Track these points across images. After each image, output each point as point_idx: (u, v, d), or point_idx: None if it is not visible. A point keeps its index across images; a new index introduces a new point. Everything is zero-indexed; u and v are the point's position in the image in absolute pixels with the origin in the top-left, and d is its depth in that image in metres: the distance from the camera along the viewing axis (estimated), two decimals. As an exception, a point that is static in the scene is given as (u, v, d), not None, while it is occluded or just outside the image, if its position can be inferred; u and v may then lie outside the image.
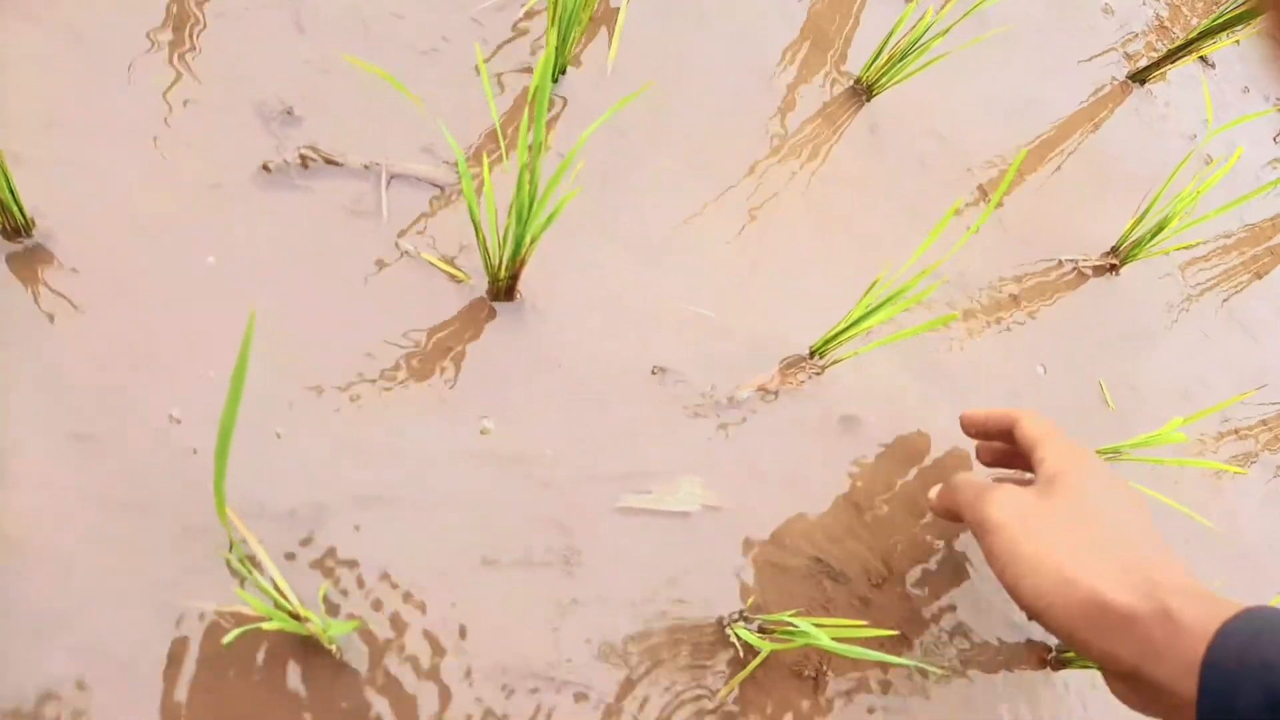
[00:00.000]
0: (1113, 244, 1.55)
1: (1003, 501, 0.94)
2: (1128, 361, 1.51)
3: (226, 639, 0.76)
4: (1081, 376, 1.46)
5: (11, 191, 0.91)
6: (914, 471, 1.29)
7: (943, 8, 1.33)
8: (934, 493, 1.18)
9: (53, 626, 0.87)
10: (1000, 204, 1.52)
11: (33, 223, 0.97)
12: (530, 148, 0.81)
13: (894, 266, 1.37)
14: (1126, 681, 0.88)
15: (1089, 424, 1.44)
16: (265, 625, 0.80)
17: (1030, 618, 0.95)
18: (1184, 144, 1.75)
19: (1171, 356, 1.55)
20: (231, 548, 0.94)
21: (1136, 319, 1.55)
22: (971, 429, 1.24)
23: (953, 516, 1.11)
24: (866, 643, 1.11)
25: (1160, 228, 1.41)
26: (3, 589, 0.87)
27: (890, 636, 1.07)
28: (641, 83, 1.34)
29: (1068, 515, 0.90)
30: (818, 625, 0.91)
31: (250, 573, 0.82)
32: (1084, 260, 1.53)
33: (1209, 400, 1.55)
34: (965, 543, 1.28)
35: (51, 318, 0.96)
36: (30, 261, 0.98)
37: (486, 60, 1.26)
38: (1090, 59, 1.75)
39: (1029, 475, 1.16)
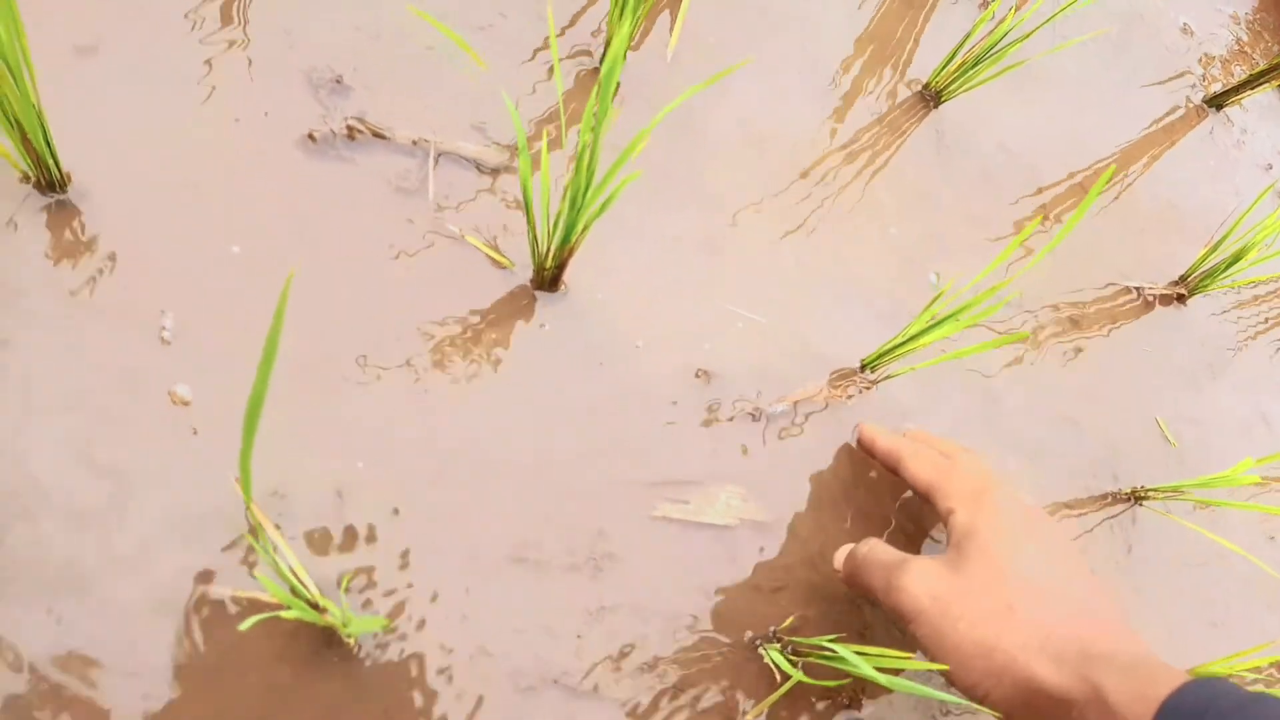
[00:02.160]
0: (1181, 273, 1.48)
1: (916, 587, 0.86)
2: (1189, 395, 1.45)
3: (244, 625, 0.71)
4: (1141, 407, 1.40)
5: (49, 143, 0.87)
6: (963, 497, 1.23)
7: (1020, 11, 1.27)
8: (840, 560, 1.02)
9: (66, 595, 0.83)
10: (1061, 221, 1.45)
11: (69, 178, 0.93)
12: (593, 128, 0.75)
13: (955, 281, 1.31)
14: None
15: (1148, 458, 1.37)
16: (284, 614, 0.75)
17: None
18: (1258, 174, 1.67)
19: (1234, 392, 1.48)
20: (256, 534, 0.89)
21: (1201, 352, 1.48)
22: (863, 450, 1.17)
23: (864, 594, 0.97)
24: (912, 676, 1.05)
25: (1236, 258, 1.34)
26: (18, 557, 0.83)
27: (942, 670, 1.01)
28: (701, 74, 1.29)
29: (987, 586, 0.82)
30: (859, 653, 0.86)
31: (271, 557, 0.77)
32: (1150, 288, 1.47)
33: (1271, 438, 1.48)
34: (1012, 575, 1.22)
35: (76, 281, 0.92)
36: (62, 218, 0.94)
37: (538, 42, 1.21)
38: (1166, 79, 1.69)
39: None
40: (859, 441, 1.17)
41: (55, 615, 0.82)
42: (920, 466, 1.04)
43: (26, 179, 0.92)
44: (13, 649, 0.80)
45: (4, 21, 0.73)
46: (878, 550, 0.95)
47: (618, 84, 1.23)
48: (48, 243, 0.93)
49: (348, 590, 0.91)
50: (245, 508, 0.90)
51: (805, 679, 0.98)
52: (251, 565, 0.89)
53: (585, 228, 0.94)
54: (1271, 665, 1.30)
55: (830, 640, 0.99)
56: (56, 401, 0.88)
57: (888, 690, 1.09)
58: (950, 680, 0.83)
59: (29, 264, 0.91)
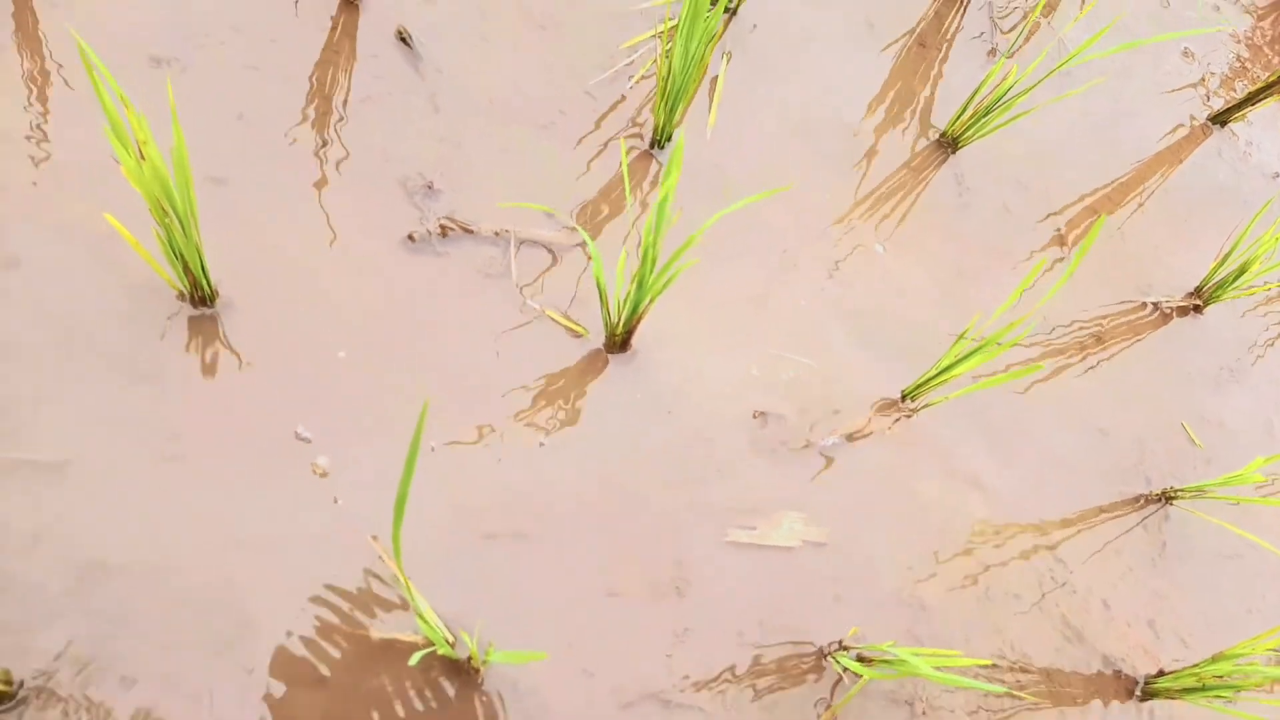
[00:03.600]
0: (1196, 284, 1.60)
1: None
2: (1212, 399, 1.56)
3: (412, 660, 0.87)
4: (1167, 414, 1.51)
5: (203, 265, 1.05)
6: (1003, 511, 1.36)
7: (1025, 65, 1.41)
8: None
9: (233, 641, 1.00)
10: (1078, 244, 1.58)
11: (217, 293, 1.11)
12: (652, 241, 0.91)
13: (983, 313, 1.44)
14: None
15: (1177, 461, 1.48)
16: (438, 650, 0.91)
17: None
18: (1267, 184, 1.78)
19: (1256, 394, 1.59)
20: (404, 587, 1.06)
21: (1221, 357, 1.59)
22: None
23: None
24: (962, 672, 1.18)
25: (1243, 269, 1.46)
26: (195, 625, 1.00)
27: (985, 665, 1.15)
28: (740, 145, 1.44)
29: None
30: (916, 655, 0.99)
31: (417, 605, 0.93)
32: (1167, 301, 1.58)
33: (1295, 436, 1.58)
34: (1052, 577, 1.34)
35: (222, 378, 1.10)
36: (213, 328, 1.12)
37: (596, 130, 1.37)
38: (1171, 103, 1.80)
39: None
40: None
41: (222, 652, 0.99)
42: None
43: (182, 296, 1.10)
44: (209, 695, 0.97)
45: (179, 176, 0.90)
46: None
47: (665, 163, 1.39)
48: (201, 346, 1.11)
49: (472, 628, 1.07)
50: (394, 572, 1.07)
51: (875, 675, 1.11)
52: (379, 609, 1.05)
53: (651, 300, 1.09)
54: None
55: (889, 645, 1.13)
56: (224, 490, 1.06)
57: (950, 693, 1.22)
58: None
59: (185, 365, 1.09)
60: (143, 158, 0.84)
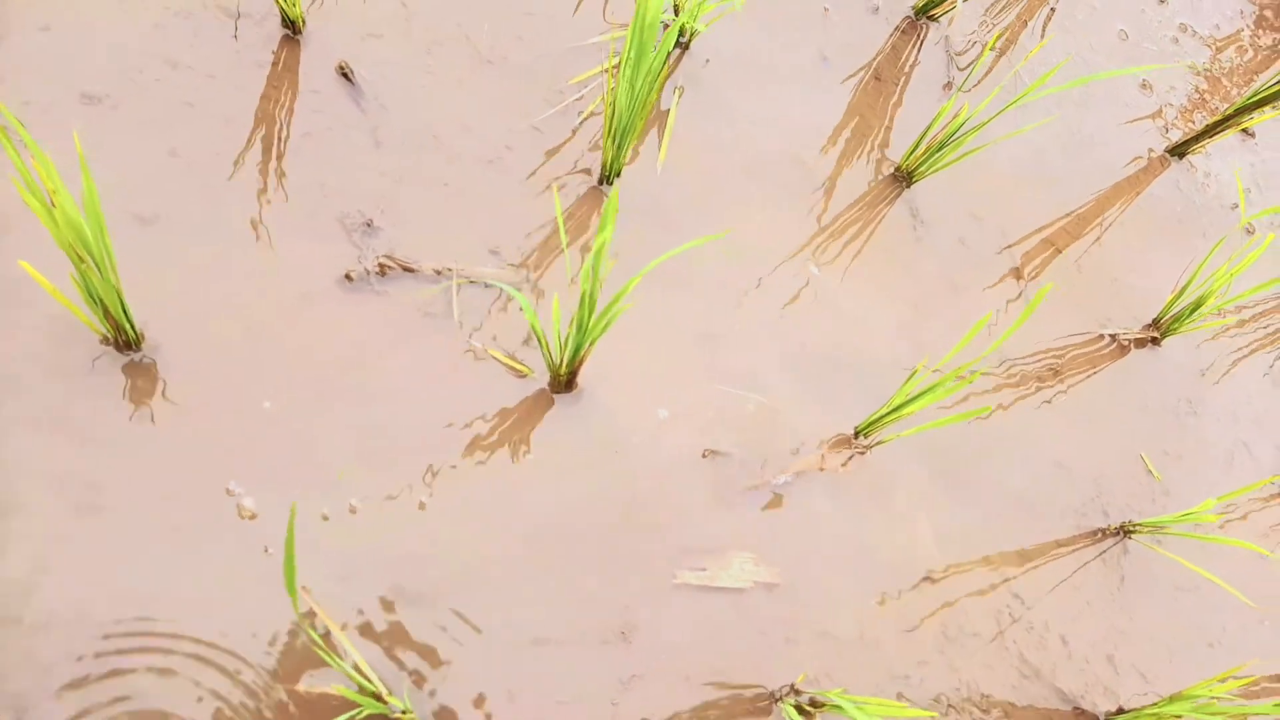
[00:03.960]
0: (1154, 316, 1.59)
1: None
2: (1171, 431, 1.55)
3: (341, 718, 0.84)
4: (1125, 448, 1.50)
5: (124, 308, 1.02)
6: (960, 547, 1.34)
7: (976, 102, 1.40)
8: None
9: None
10: (1035, 278, 1.57)
11: (142, 336, 1.08)
12: (589, 288, 0.89)
13: (939, 348, 1.43)
14: None
15: (1136, 493, 1.47)
16: (366, 709, 0.88)
17: None
18: (1225, 215, 1.78)
19: (1216, 425, 1.58)
20: (330, 642, 1.03)
21: (1179, 389, 1.59)
22: None
23: None
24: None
25: (1200, 302, 1.45)
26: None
27: (930, 717, 1.12)
28: (690, 180, 1.43)
29: None
30: (858, 705, 0.97)
31: (339, 664, 0.90)
32: (1124, 333, 1.57)
33: (1251, 466, 1.57)
34: (1009, 613, 1.32)
35: (147, 425, 1.07)
36: (140, 373, 1.09)
37: (544, 165, 1.36)
38: (1129, 135, 1.80)
39: None
40: None
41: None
42: None
43: (106, 340, 1.08)
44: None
45: (92, 222, 0.88)
46: None
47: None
48: (125, 392, 1.08)
49: (406, 677, 1.04)
50: (327, 625, 1.04)
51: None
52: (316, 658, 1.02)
53: (591, 343, 1.07)
54: (1248, 684, 1.38)
55: (837, 693, 1.11)
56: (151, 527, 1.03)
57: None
58: None
59: (111, 412, 1.07)
60: (53, 204, 0.82)
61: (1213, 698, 1.14)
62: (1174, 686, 1.37)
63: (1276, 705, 1.17)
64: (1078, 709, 1.31)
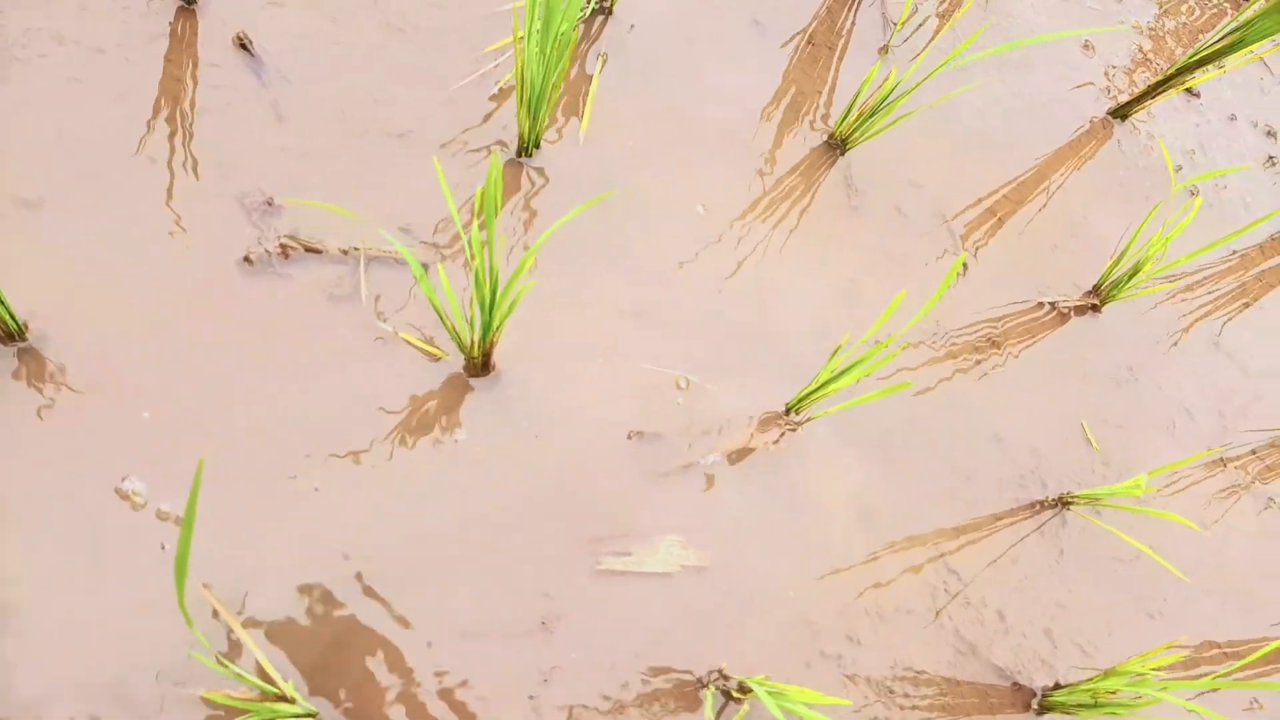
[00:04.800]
0: (1093, 283, 1.56)
1: None
2: (1111, 400, 1.53)
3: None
4: (1065, 418, 1.48)
5: (2, 301, 0.97)
6: (894, 524, 1.31)
7: (910, 64, 1.36)
8: None
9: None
10: (977, 248, 1.54)
11: (26, 327, 1.03)
12: (482, 252, 0.84)
13: (869, 323, 1.39)
14: None
15: (1074, 464, 1.45)
16: (275, 711, 0.84)
17: None
18: (1168, 179, 1.75)
19: (1157, 393, 1.56)
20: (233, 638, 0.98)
21: (1119, 356, 1.56)
22: None
23: None
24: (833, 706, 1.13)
25: (1136, 269, 1.43)
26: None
27: (844, 705, 1.10)
28: (616, 152, 1.38)
29: None
30: (772, 694, 0.94)
31: (226, 664, 0.86)
32: (1064, 301, 1.55)
33: (1193, 433, 1.55)
34: (945, 589, 1.30)
35: (32, 419, 1.02)
36: (26, 365, 1.03)
37: (456, 139, 1.30)
38: (1071, 98, 1.77)
39: None
40: None
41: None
42: None
43: (-12, 332, 1.02)
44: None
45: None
46: None
47: (537, 173, 1.32)
48: (7, 386, 1.02)
49: (309, 676, 1.00)
50: (229, 623, 0.99)
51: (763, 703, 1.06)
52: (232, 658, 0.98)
53: (499, 326, 1.03)
54: (1180, 659, 1.37)
55: (760, 680, 1.08)
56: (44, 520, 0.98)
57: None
58: None
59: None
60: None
61: (1147, 672, 1.12)
62: (1113, 659, 1.36)
63: (1213, 679, 1.16)
64: (1015, 684, 1.29)
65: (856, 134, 1.45)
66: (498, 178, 0.78)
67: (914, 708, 1.22)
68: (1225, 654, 1.40)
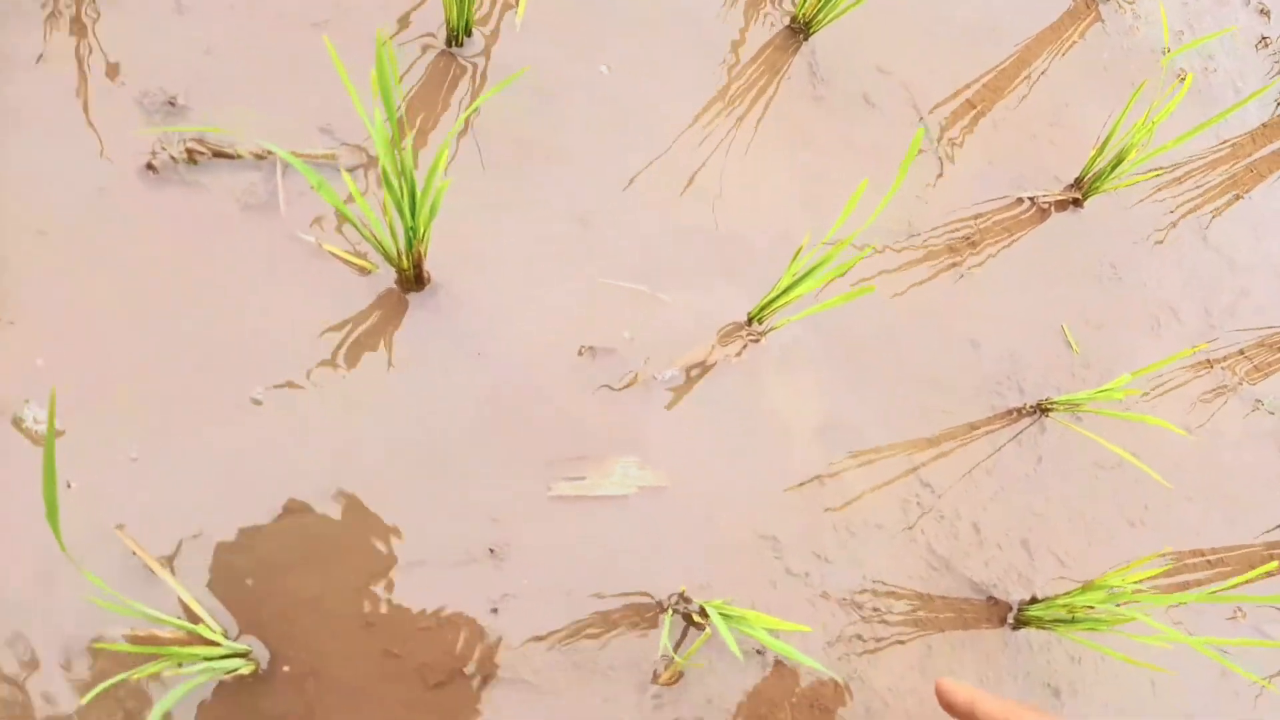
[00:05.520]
0: (1075, 176, 1.47)
1: None
2: (1092, 299, 1.45)
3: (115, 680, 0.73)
4: (1044, 320, 1.40)
5: None
6: (863, 436, 1.24)
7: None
8: (957, 696, 0.97)
9: None
10: (951, 142, 1.44)
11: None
12: (388, 146, 0.74)
13: (828, 225, 1.30)
14: None
15: (1053, 367, 1.38)
16: (195, 669, 0.77)
17: None
18: (1153, 60, 1.65)
19: (1140, 290, 1.49)
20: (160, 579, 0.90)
21: (1101, 253, 1.48)
22: (941, 702, 1.08)
23: None
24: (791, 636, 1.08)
25: (1120, 159, 1.33)
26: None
27: (806, 631, 1.04)
28: (560, 42, 1.26)
29: None
30: (731, 618, 0.88)
31: (133, 607, 0.79)
32: (1044, 195, 1.46)
33: (1177, 331, 1.48)
34: (917, 503, 1.24)
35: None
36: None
37: (382, 25, 1.18)
38: (1053, -26, 1.65)
39: None
40: (937, 694, 1.05)
41: None
42: (994, 705, 0.96)
43: None
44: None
45: None
46: None
47: (470, 65, 1.21)
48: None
49: (240, 613, 0.93)
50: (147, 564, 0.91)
51: (696, 648, 1.01)
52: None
53: (424, 232, 0.93)
54: (1166, 570, 1.32)
55: (723, 603, 1.02)
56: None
57: (801, 640, 1.11)
58: None
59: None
60: None
61: (1126, 586, 1.07)
62: (1092, 570, 1.31)
63: (1211, 594, 1.11)
64: (991, 598, 1.24)
65: (821, 15, 1.33)
66: (390, 57, 0.67)
67: (884, 623, 1.17)
68: (1209, 562, 1.36)
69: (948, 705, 0.97)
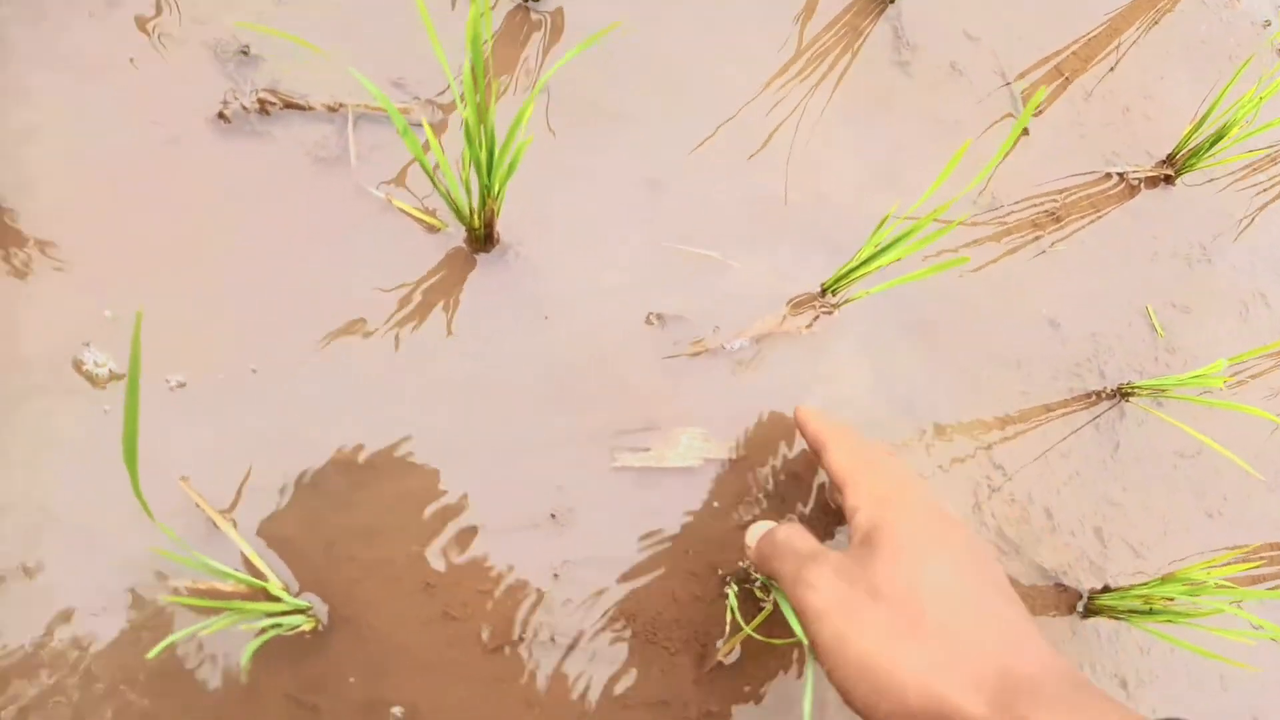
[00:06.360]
0: (1169, 152, 1.41)
1: (823, 583, 0.77)
2: (1180, 281, 1.39)
3: (211, 628, 0.73)
4: (1129, 299, 1.35)
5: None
6: (935, 413, 1.20)
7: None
8: (753, 538, 0.96)
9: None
10: (1040, 112, 1.38)
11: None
12: (474, 100, 0.72)
13: (916, 194, 1.26)
14: None
15: (1136, 351, 1.33)
16: (247, 606, 0.77)
17: None
18: (1255, 34, 1.57)
19: (1231, 273, 1.42)
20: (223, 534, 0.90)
21: (1192, 233, 1.42)
22: (799, 431, 1.06)
23: (771, 577, 0.90)
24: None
25: (1220, 135, 1.27)
26: None
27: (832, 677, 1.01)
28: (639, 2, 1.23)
29: (897, 593, 0.72)
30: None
31: (199, 560, 0.78)
32: (1134, 171, 1.39)
33: (1267, 319, 1.42)
34: (988, 484, 1.20)
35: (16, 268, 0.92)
36: (-22, 230, 0.93)
37: (463, -20, 1.15)
38: (1151, -62, 1.57)
39: None
40: (795, 419, 1.09)
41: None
42: (842, 458, 0.92)
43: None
44: None
45: None
46: (795, 538, 0.87)
47: (545, 19, 1.18)
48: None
49: (305, 571, 0.93)
50: (211, 518, 0.91)
51: (758, 621, 0.98)
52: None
53: (499, 190, 0.91)
54: (1251, 567, 1.27)
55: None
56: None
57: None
58: (846, 696, 0.73)
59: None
60: None
61: (1209, 580, 1.03)
62: (1166, 560, 1.27)
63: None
64: (1060, 585, 1.20)
65: (909, -22, 1.28)
66: (485, 9, 0.65)
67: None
68: (1295, 559, 1.30)
69: (803, 432, 1.02)
